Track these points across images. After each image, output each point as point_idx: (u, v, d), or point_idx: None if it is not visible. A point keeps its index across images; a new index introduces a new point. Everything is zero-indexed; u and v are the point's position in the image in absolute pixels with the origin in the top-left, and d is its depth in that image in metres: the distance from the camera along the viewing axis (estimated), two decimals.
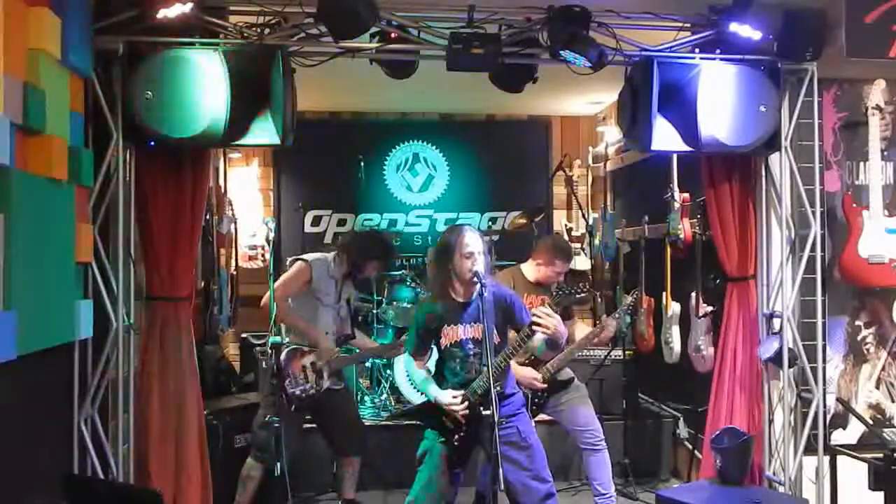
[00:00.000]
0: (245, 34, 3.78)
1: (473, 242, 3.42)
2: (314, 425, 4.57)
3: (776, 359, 4.24)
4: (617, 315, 4.31)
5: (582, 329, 4.50)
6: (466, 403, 3.40)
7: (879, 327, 4.47)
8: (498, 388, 3.26)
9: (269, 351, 3.83)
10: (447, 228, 3.76)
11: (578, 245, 7.14)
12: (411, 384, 5.51)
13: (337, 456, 4.53)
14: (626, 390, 5.45)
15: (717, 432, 4.22)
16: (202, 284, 5.72)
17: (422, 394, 3.64)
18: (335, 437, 4.46)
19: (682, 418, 5.49)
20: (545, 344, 3.45)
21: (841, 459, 4.01)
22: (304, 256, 4.40)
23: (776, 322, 4.30)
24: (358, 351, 4.60)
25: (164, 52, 3.62)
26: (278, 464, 3.65)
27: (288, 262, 4.57)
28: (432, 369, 3.67)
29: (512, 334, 3.52)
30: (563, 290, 3.51)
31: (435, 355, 3.65)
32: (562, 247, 4.46)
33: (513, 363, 3.61)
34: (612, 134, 7.05)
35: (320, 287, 4.29)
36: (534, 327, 3.29)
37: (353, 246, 4.44)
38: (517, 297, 3.58)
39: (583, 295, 3.61)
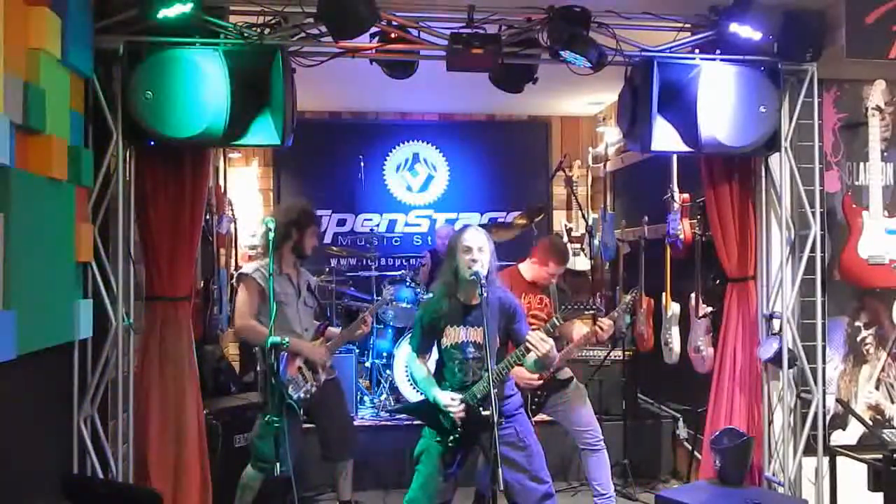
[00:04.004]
0: (245, 34, 3.78)
1: (473, 239, 3.44)
2: (311, 425, 4.54)
3: (776, 359, 4.24)
4: (615, 314, 4.31)
5: (580, 329, 4.50)
6: (464, 406, 3.41)
7: (879, 328, 4.47)
8: (497, 391, 3.26)
9: (269, 350, 3.80)
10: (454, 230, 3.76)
11: (578, 245, 7.15)
12: (412, 383, 5.50)
13: (330, 461, 4.49)
14: (625, 391, 5.45)
15: (717, 433, 4.22)
16: (202, 284, 5.72)
17: (421, 393, 3.65)
18: (328, 439, 4.40)
19: (681, 419, 5.49)
20: (535, 364, 3.47)
21: (840, 460, 4.01)
22: (246, 270, 4.22)
23: (776, 322, 4.30)
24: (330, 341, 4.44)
25: (164, 52, 3.62)
26: (278, 465, 3.63)
27: (234, 280, 4.40)
28: (432, 368, 3.68)
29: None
30: (569, 306, 3.55)
31: (435, 355, 3.66)
32: (558, 249, 4.45)
33: None
34: (612, 134, 7.06)
35: (276, 290, 4.07)
36: (527, 347, 3.33)
37: (279, 234, 4.10)
38: (521, 309, 3.59)
39: (591, 311, 3.66)
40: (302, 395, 4.14)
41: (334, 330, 4.50)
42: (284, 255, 4.26)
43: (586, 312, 3.75)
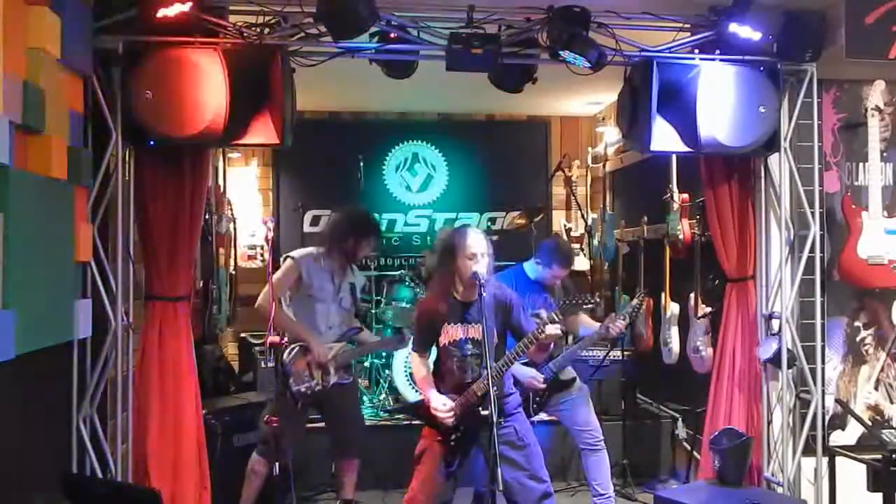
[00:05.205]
0: (245, 34, 3.78)
1: (477, 244, 3.44)
2: (318, 424, 4.54)
3: (775, 359, 4.24)
4: (622, 317, 4.29)
5: (585, 322, 4.49)
6: (453, 413, 3.41)
7: (878, 328, 4.47)
8: (496, 390, 3.27)
9: (269, 350, 3.82)
10: (452, 230, 3.77)
11: (577, 245, 7.14)
12: (410, 383, 5.51)
13: (338, 458, 4.50)
14: (624, 391, 5.45)
15: (716, 433, 4.22)
16: (201, 284, 5.72)
17: (419, 392, 3.65)
18: (338, 435, 4.42)
19: (680, 419, 5.49)
20: (535, 349, 3.49)
21: (839, 460, 4.02)
22: (293, 253, 4.32)
23: (775, 323, 4.30)
24: (356, 346, 4.52)
25: (164, 52, 3.62)
26: (276, 464, 3.64)
27: (281, 260, 4.51)
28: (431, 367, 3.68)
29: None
30: (568, 301, 3.56)
31: (433, 354, 3.66)
32: (563, 252, 4.44)
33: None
34: (611, 134, 7.06)
35: (312, 283, 4.23)
36: (536, 336, 3.37)
37: (333, 231, 4.36)
38: (518, 300, 3.59)
39: (589, 306, 3.66)
40: (303, 389, 4.14)
41: (365, 336, 4.55)
42: (334, 253, 4.29)
43: (584, 307, 3.76)
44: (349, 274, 4.42)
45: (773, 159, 4.32)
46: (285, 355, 4.09)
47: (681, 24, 4.11)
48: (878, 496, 3.62)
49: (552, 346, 3.57)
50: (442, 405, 3.43)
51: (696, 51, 4.12)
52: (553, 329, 3.35)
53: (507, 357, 3.44)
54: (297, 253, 4.34)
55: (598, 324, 4.41)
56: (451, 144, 7.70)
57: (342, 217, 4.44)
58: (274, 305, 4.10)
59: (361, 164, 6.91)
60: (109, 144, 3.69)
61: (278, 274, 4.27)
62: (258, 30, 3.80)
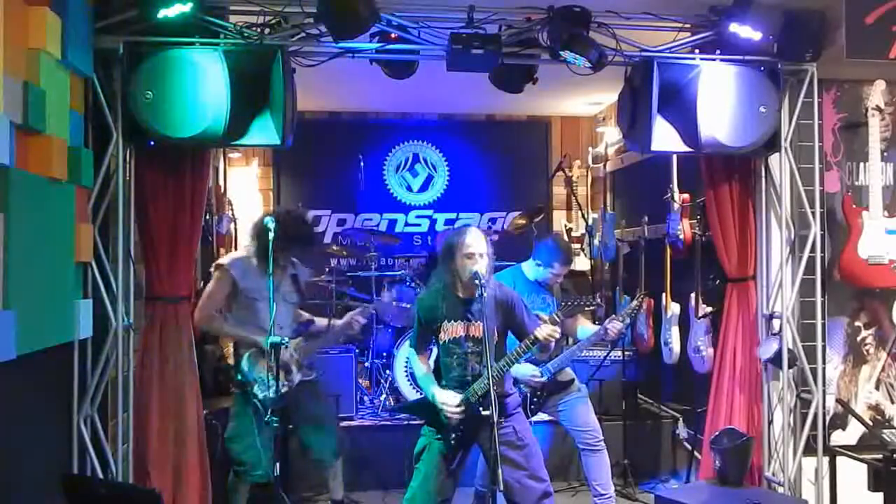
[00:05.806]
0: (245, 34, 3.78)
1: (476, 243, 3.44)
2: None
3: (776, 359, 4.25)
4: (621, 317, 4.28)
5: (584, 324, 4.49)
6: (461, 407, 3.42)
7: (879, 328, 4.47)
8: (497, 389, 3.27)
9: (269, 351, 3.78)
10: (453, 230, 3.78)
11: (578, 246, 7.15)
12: (411, 381, 5.51)
13: (318, 462, 4.35)
14: (625, 391, 5.45)
15: (717, 433, 4.23)
16: (202, 284, 5.71)
17: (421, 391, 3.65)
18: (312, 437, 4.26)
19: (681, 419, 5.48)
20: (537, 348, 3.49)
21: (840, 460, 4.02)
22: (222, 260, 4.14)
23: (776, 323, 4.30)
24: (313, 339, 4.33)
25: (164, 52, 3.63)
26: (277, 465, 3.61)
27: (211, 270, 4.35)
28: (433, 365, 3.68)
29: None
30: (569, 302, 3.56)
31: (435, 353, 3.66)
32: (561, 249, 4.41)
33: None
34: (611, 134, 7.06)
35: (248, 286, 4.05)
36: (534, 339, 3.38)
37: (251, 234, 4.14)
38: (520, 300, 3.59)
39: (591, 307, 3.67)
40: (270, 394, 4.01)
41: (322, 321, 4.39)
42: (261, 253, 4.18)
43: (586, 308, 3.77)
44: (289, 267, 4.24)
45: (774, 159, 4.32)
46: (243, 364, 3.97)
47: (681, 24, 4.11)
48: (879, 496, 3.63)
49: (552, 346, 3.57)
50: (448, 399, 3.43)
51: (697, 51, 4.13)
52: (548, 329, 3.35)
53: (509, 357, 3.44)
54: (226, 259, 4.16)
55: (596, 326, 4.40)
56: (451, 144, 7.72)
57: (257, 221, 4.11)
58: (212, 319, 4.03)
59: (361, 164, 6.92)
60: (109, 144, 3.70)
61: (210, 286, 4.10)
62: (258, 30, 3.81)
